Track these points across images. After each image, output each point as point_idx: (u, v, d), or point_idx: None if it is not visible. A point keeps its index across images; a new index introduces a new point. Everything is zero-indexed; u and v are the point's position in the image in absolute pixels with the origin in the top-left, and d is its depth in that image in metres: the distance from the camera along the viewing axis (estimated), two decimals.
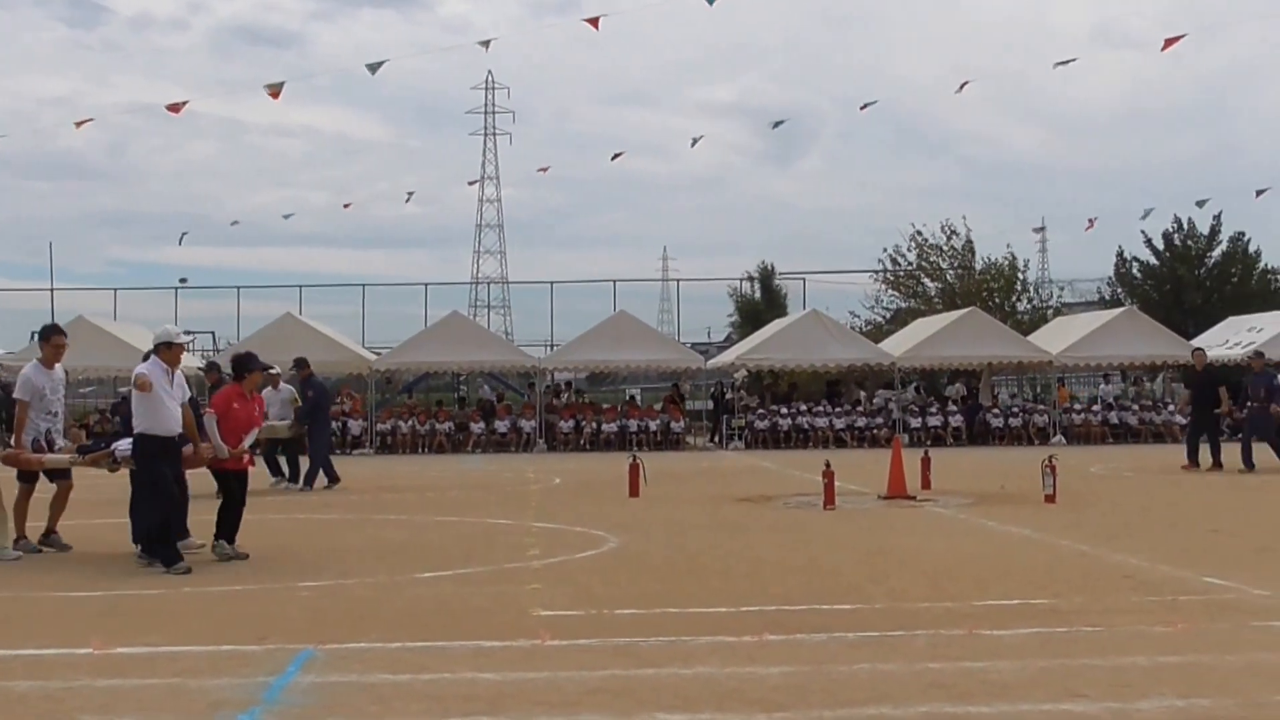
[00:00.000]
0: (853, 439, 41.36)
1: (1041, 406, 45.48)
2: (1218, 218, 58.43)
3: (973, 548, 13.98)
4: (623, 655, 8.37)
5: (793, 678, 7.61)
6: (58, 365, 14.57)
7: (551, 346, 50.49)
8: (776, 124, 61.55)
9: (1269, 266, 60.97)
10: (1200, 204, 52.13)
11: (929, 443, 37.56)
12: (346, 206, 54.70)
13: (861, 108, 38.17)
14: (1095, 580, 11.36)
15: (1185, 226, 58.71)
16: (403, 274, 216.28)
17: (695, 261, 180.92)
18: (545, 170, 58.14)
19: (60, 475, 14.54)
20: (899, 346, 44.17)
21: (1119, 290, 60.56)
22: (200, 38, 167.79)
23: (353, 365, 41.98)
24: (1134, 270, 60.24)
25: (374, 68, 30.26)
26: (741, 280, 63.48)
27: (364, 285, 58.67)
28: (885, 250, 61.01)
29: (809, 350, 41.85)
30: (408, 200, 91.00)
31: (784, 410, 42.47)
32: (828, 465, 19.36)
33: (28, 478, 14.42)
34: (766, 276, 62.49)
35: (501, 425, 41.92)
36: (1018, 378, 53.99)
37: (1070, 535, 14.66)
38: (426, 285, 59.91)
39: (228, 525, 13.44)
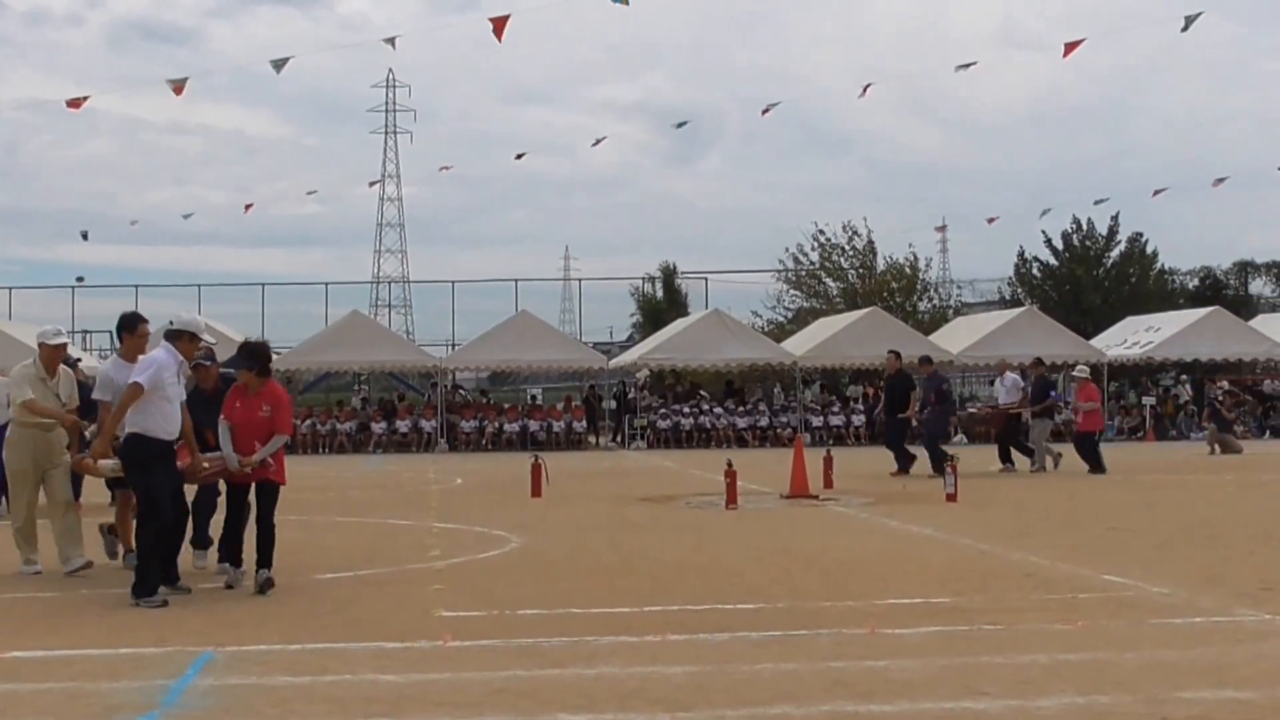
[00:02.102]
0: (754, 439, 41.55)
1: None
2: (1115, 219, 59.45)
3: (875, 547, 14.10)
4: (525, 656, 8.37)
5: (696, 677, 7.64)
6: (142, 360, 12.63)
7: (453, 346, 50.30)
8: (679, 124, 61.75)
9: (1166, 267, 62.11)
10: (1098, 203, 52.93)
11: (831, 442, 37.84)
12: (248, 208, 53.97)
13: (764, 111, 38.29)
14: (996, 579, 11.50)
15: (1084, 227, 59.62)
16: (303, 273, 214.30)
17: (597, 261, 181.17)
18: (447, 169, 57.81)
19: (122, 484, 12.85)
20: (801, 346, 44.46)
21: (1019, 290, 61.36)
22: (96, 34, 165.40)
23: None
24: (1034, 270, 61.08)
25: (279, 65, 29.96)
26: (644, 280, 63.68)
27: (263, 284, 58.02)
28: (787, 250, 61.43)
29: (711, 350, 42.01)
30: (308, 198, 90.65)
31: (686, 410, 42.60)
32: (730, 465, 19.44)
33: (121, 483, 12.71)
34: (669, 276, 62.72)
35: (403, 425, 41.72)
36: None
37: (971, 534, 14.82)
38: (327, 284, 59.58)
39: (227, 543, 11.73)
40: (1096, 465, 25.28)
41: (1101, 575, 11.56)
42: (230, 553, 11.68)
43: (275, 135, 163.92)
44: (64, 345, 13.27)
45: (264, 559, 11.27)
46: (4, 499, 13.47)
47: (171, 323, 11.72)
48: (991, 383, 47.69)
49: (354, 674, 7.87)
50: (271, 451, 11.34)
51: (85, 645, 8.83)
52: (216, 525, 12.40)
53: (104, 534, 13.47)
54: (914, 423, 26.99)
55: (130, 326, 12.67)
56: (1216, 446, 33.08)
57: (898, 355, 27.62)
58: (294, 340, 45.74)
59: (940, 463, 24.44)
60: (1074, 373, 27.38)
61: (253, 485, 11.51)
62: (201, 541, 12.98)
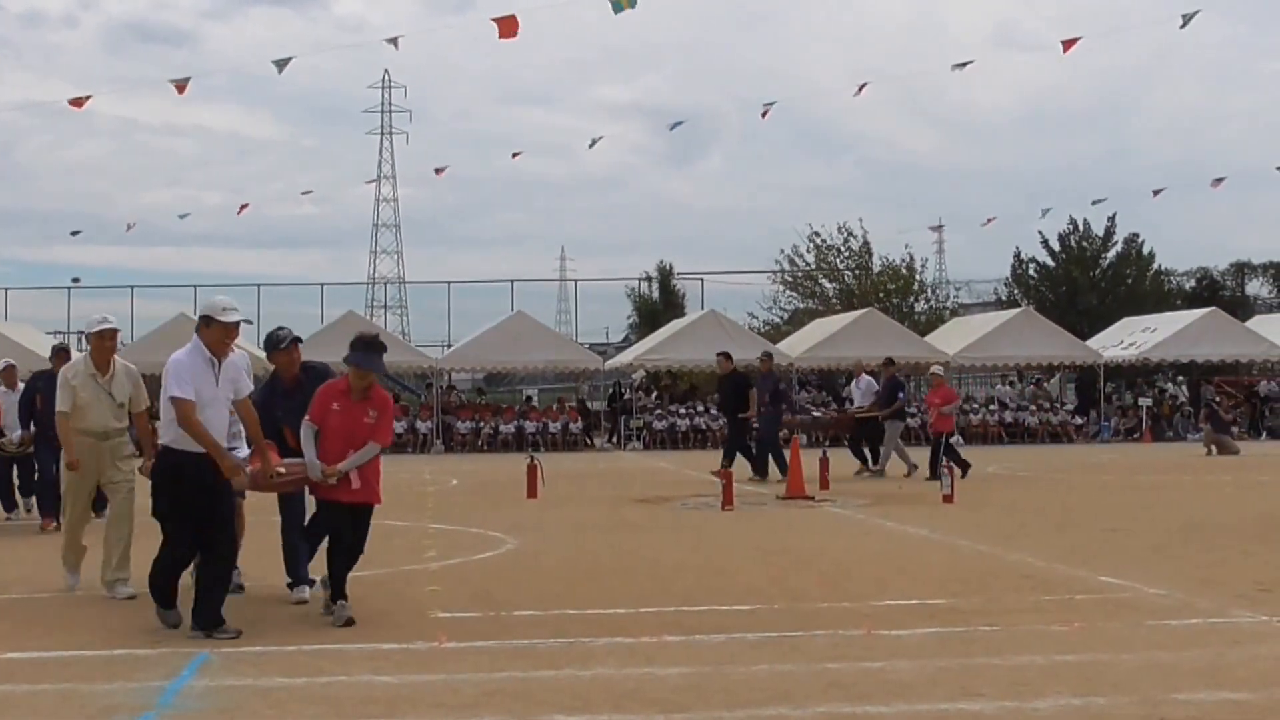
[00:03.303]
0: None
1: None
2: (1112, 219, 59.51)
3: (871, 548, 14.11)
4: (521, 657, 8.37)
5: (691, 679, 7.64)
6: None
7: (448, 347, 50.28)
8: (674, 125, 61.31)
9: (1162, 268, 62.18)
10: (1096, 203, 52.99)
11: (827, 443, 37.85)
12: (244, 207, 53.65)
13: (763, 114, 38.23)
14: (993, 580, 11.50)
15: (1081, 228, 59.66)
16: (298, 274, 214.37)
17: (594, 262, 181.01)
18: (443, 170, 57.68)
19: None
20: (796, 347, 44.48)
21: (1015, 291, 61.42)
22: (92, 35, 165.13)
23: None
24: (1030, 271, 61.14)
25: (281, 65, 29.99)
26: (640, 280, 63.74)
27: (259, 285, 58.01)
28: (783, 251, 61.45)
29: (707, 350, 41.98)
30: (304, 199, 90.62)
31: (682, 410, 42.61)
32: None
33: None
34: (665, 277, 62.79)
35: (399, 426, 41.70)
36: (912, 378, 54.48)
37: (968, 535, 14.83)
38: (322, 285, 59.55)
39: (333, 575, 9.81)
40: (960, 464, 23.50)
41: (1098, 576, 11.57)
42: (337, 587, 9.74)
43: (270, 136, 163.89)
44: (113, 334, 11.51)
45: (339, 587, 9.74)
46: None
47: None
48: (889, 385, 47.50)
49: (349, 675, 7.88)
50: (362, 461, 9.68)
51: (80, 646, 8.83)
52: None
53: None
54: (753, 424, 26.09)
55: (204, 319, 9.95)
56: (1213, 447, 33.11)
57: (728, 357, 26.75)
58: None
59: (763, 466, 24.31)
60: (930, 372, 26.78)
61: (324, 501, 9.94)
62: (300, 576, 10.98)
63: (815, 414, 38.56)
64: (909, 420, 31.09)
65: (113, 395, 11.39)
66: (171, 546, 9.56)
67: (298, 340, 11.00)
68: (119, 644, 8.90)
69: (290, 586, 10.92)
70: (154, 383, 10.80)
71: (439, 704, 7.16)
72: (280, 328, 10.95)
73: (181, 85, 29.93)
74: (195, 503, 9.40)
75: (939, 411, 24.88)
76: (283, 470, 9.87)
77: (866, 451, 26.32)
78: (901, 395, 26.85)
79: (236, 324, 9.64)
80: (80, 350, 26.30)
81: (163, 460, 9.56)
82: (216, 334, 9.54)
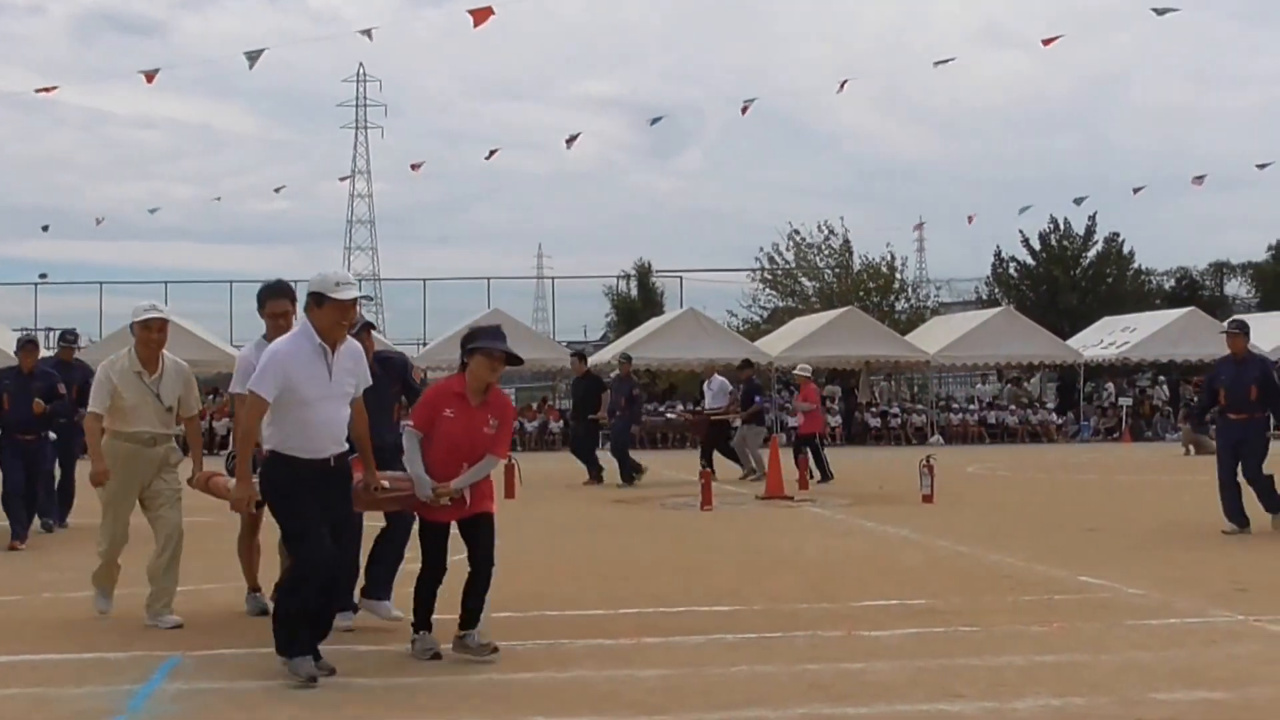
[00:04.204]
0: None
1: (920, 406, 46.08)
2: (1093, 218, 59.72)
3: (851, 548, 14.13)
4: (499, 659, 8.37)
5: (670, 680, 7.65)
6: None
7: (424, 345, 50.23)
8: (655, 120, 61.43)
9: (1143, 267, 62.42)
10: (1078, 201, 53.13)
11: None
12: (217, 200, 53.63)
13: (743, 109, 38.30)
14: (972, 580, 11.53)
15: (1061, 227, 59.85)
16: (271, 270, 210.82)
17: (571, 259, 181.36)
18: (419, 166, 57.54)
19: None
20: (776, 346, 44.53)
21: (996, 290, 61.59)
22: (60, 24, 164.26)
23: (221, 364, 41.43)
24: (1011, 270, 61.32)
25: (253, 57, 29.90)
26: (618, 278, 63.68)
27: (232, 281, 57.98)
28: (763, 249, 61.53)
29: (686, 349, 42.06)
30: (277, 194, 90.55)
31: (661, 410, 42.61)
32: (705, 465, 19.44)
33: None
34: (643, 274, 62.74)
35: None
36: (893, 377, 54.62)
37: (948, 535, 14.86)
38: (296, 282, 59.15)
39: (466, 607, 8.53)
40: (824, 472, 23.50)
41: (1077, 576, 11.60)
42: (420, 615, 8.58)
43: (243, 129, 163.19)
44: (162, 324, 9.82)
45: (471, 616, 8.52)
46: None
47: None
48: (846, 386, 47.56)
49: (326, 678, 7.85)
50: (478, 478, 8.37)
51: (50, 650, 8.78)
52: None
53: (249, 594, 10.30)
54: (603, 426, 26.06)
55: (259, 302, 9.76)
56: (1191, 447, 33.19)
57: (582, 357, 26.93)
58: None
59: (629, 472, 24.09)
60: (795, 372, 26.57)
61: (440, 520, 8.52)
62: (379, 592, 9.65)
63: (669, 416, 38.65)
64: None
65: (160, 397, 9.79)
66: (312, 570, 7.82)
67: (370, 326, 9.67)
68: (90, 647, 8.84)
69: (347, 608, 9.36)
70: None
71: (416, 706, 7.15)
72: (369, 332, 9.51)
73: (151, 75, 29.82)
74: (328, 518, 7.94)
75: (801, 411, 25.02)
76: (386, 484, 8.38)
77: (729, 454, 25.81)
78: (759, 399, 26.45)
79: (354, 301, 8.03)
80: (50, 348, 26.01)
81: (275, 470, 7.96)
82: (330, 315, 7.88)
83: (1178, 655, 8.32)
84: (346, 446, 8.05)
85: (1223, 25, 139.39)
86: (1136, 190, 53.80)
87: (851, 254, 60.30)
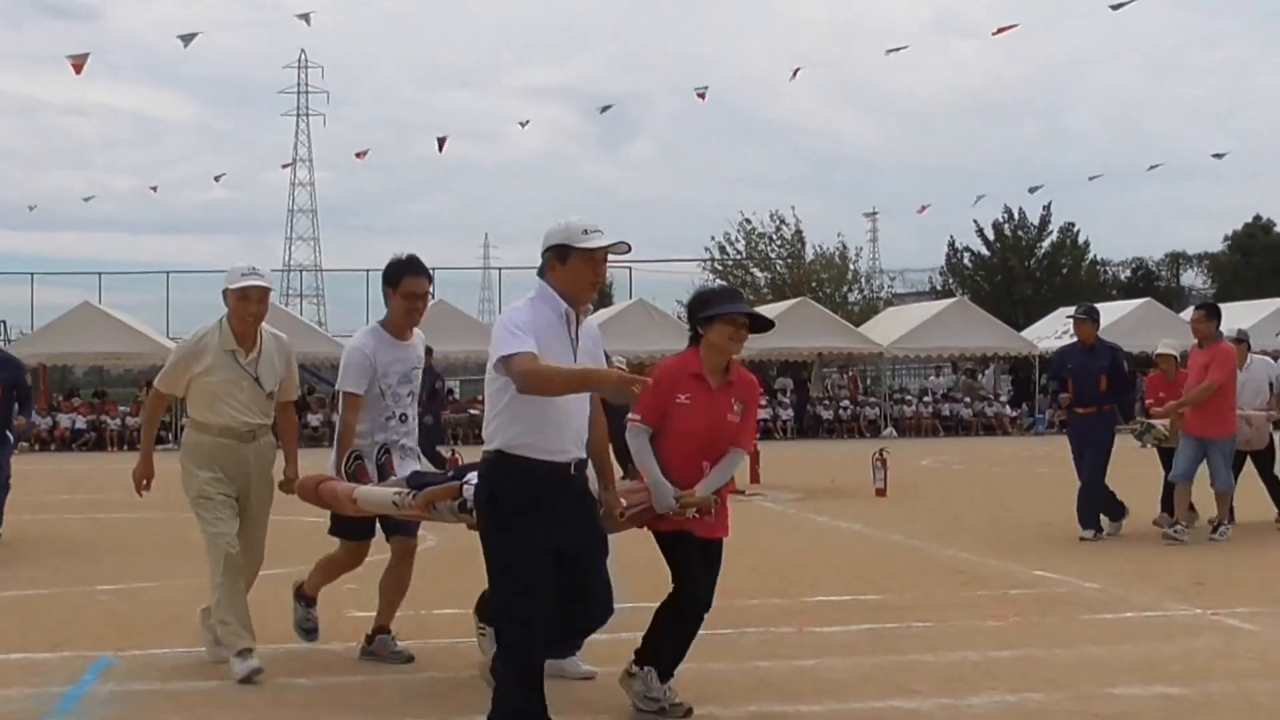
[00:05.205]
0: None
1: (872, 399, 46.23)
2: (1048, 208, 60.08)
3: (803, 543, 14.16)
4: (443, 656, 8.35)
5: (617, 678, 7.61)
6: (416, 334, 8.47)
7: None
8: (604, 108, 61.33)
9: (1098, 258, 62.86)
10: (1034, 190, 53.50)
11: (757, 436, 37.92)
12: (154, 189, 53.07)
13: (700, 96, 38.20)
14: (926, 575, 11.57)
15: (1016, 216, 60.17)
16: (210, 261, 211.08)
17: (519, 249, 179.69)
18: (364, 154, 57.15)
19: (400, 529, 8.31)
20: None
21: (950, 281, 61.89)
22: None
23: (156, 357, 41.08)
24: (965, 260, 61.61)
25: (186, 39, 29.60)
26: None
27: (168, 273, 57.12)
28: (714, 239, 61.60)
29: (635, 341, 42.00)
30: (216, 183, 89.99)
31: None
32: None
33: (352, 530, 8.33)
34: None
35: (315, 419, 41.41)
36: (846, 369, 54.79)
37: (901, 529, 14.91)
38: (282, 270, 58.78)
39: (665, 648, 7.05)
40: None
41: (1033, 571, 11.66)
42: (656, 650, 7.04)
43: (181, 117, 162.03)
44: (264, 294, 8.20)
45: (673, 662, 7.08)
46: None
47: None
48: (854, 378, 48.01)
49: (263, 678, 7.79)
50: (725, 480, 7.03)
51: None
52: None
53: (297, 601, 8.87)
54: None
55: (408, 273, 8.15)
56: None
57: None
58: None
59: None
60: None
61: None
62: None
63: (473, 411, 38.75)
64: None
65: (260, 381, 8.25)
66: (531, 630, 6.10)
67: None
68: (16, 648, 8.74)
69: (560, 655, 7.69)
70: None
71: (357, 707, 7.11)
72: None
73: (79, 63, 29.28)
74: (565, 544, 6.18)
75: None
76: (624, 503, 6.92)
77: None
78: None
79: (608, 249, 6.32)
80: None
81: (500, 475, 6.17)
82: (580, 272, 6.27)
83: (1135, 650, 8.37)
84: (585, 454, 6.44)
85: (1179, 15, 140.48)
86: (1092, 178, 54.48)
87: (804, 244, 60.54)
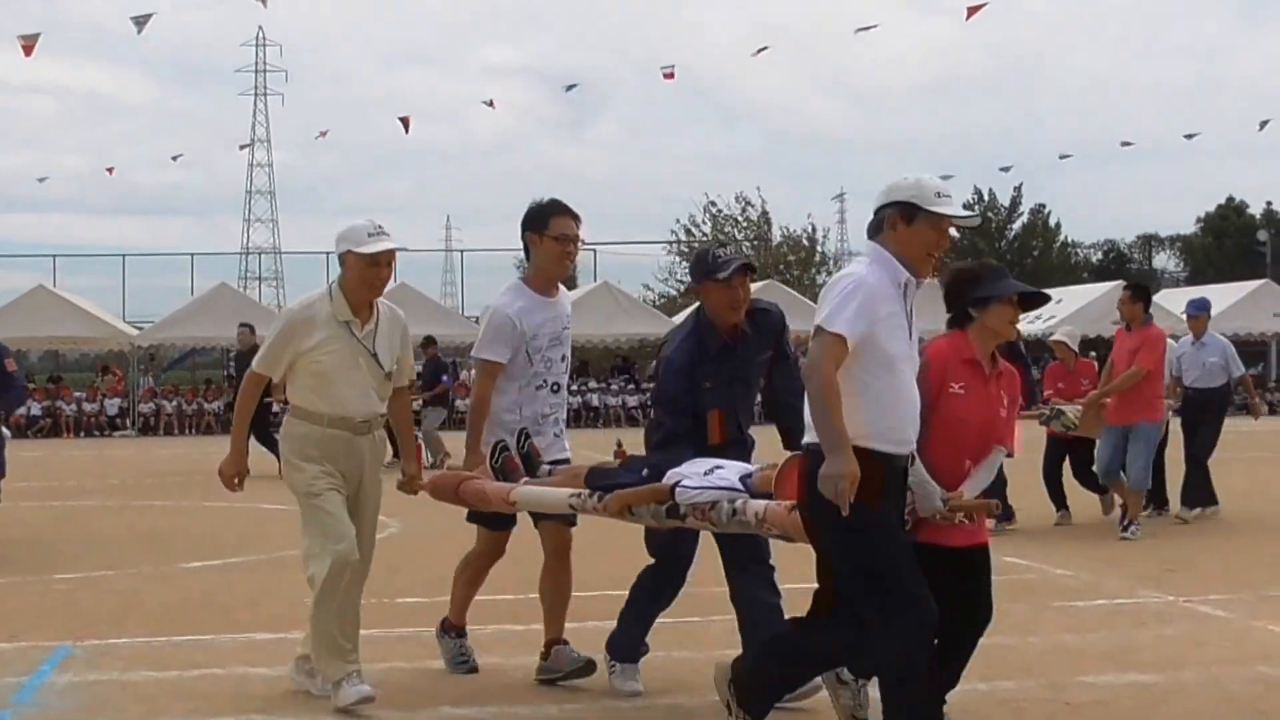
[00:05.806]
0: (646, 417, 41.60)
1: None
2: (1018, 189, 60.35)
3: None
4: (406, 645, 8.35)
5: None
6: (562, 292, 7.90)
7: None
8: (569, 87, 61.65)
9: (1069, 240, 63.18)
10: (1004, 170, 53.72)
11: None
12: (109, 170, 52.80)
13: (668, 76, 38.08)
14: None
15: (986, 198, 60.42)
16: (167, 243, 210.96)
17: (481, 231, 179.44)
18: (324, 135, 56.65)
19: (552, 515, 7.53)
20: None
21: None
22: None
23: (112, 341, 41.02)
24: None
25: (140, 22, 29.31)
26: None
27: (124, 255, 56.86)
28: (679, 221, 61.67)
29: (600, 324, 42.02)
30: (173, 163, 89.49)
31: (574, 388, 42.60)
32: (619, 445, 19.38)
33: (496, 516, 7.68)
34: None
35: (276, 405, 41.25)
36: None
37: None
38: (192, 255, 58.77)
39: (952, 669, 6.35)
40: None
41: (1003, 558, 11.66)
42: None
43: (136, 97, 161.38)
44: (390, 258, 7.14)
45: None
46: None
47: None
48: None
49: (223, 668, 7.79)
50: (988, 481, 6.22)
51: None
52: None
53: (445, 636, 7.95)
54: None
55: (547, 217, 7.43)
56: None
57: (251, 330, 24.60)
58: (157, 315, 45.06)
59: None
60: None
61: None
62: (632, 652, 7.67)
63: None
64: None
65: (378, 359, 7.19)
66: (917, 624, 5.59)
67: (748, 268, 7.10)
68: None
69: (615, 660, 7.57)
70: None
71: (319, 697, 7.08)
72: (720, 244, 6.81)
73: (30, 44, 28.80)
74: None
75: None
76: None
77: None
78: (445, 379, 25.76)
79: (962, 220, 5.88)
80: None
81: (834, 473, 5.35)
82: (926, 238, 5.75)
83: (1107, 637, 8.42)
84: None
85: None
86: (1063, 157, 54.62)
87: (770, 226, 60.62)
